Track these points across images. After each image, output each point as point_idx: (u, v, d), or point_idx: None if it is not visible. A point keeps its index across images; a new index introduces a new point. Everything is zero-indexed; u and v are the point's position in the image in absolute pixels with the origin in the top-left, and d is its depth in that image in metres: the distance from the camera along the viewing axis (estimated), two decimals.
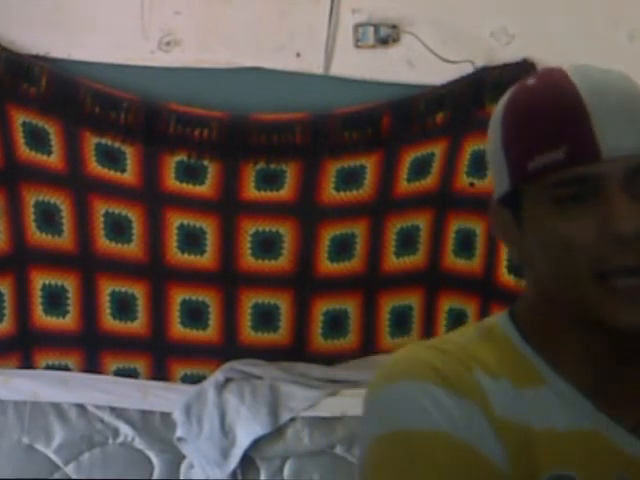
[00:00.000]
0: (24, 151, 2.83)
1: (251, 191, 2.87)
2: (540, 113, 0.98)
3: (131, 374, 2.96)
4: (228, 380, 2.84)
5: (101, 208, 2.88)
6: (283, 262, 2.93)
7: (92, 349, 2.97)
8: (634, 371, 1.01)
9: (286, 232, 2.91)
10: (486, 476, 0.92)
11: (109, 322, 2.95)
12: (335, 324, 2.99)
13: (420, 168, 2.89)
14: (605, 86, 0.97)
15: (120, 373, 2.96)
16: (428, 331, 3.00)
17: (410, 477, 0.90)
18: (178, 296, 2.94)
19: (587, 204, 0.95)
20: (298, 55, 2.90)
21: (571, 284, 0.97)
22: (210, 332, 2.97)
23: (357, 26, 2.90)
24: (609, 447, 0.98)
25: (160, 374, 2.97)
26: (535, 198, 0.98)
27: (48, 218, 2.88)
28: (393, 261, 2.97)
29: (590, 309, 0.96)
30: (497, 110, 1.05)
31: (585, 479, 0.97)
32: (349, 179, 2.88)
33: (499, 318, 1.08)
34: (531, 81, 1.03)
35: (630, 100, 0.97)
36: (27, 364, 2.95)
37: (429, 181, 2.90)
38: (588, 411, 1.00)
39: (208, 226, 2.90)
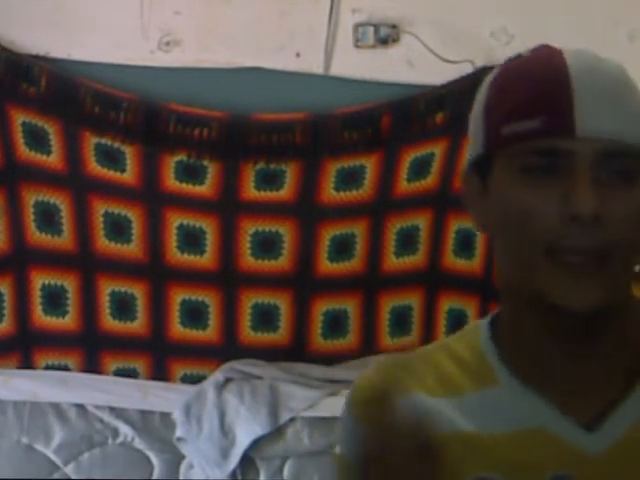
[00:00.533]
0: (24, 151, 2.83)
1: (251, 191, 2.87)
2: (525, 81, 0.98)
3: (131, 374, 2.96)
4: (228, 380, 2.84)
5: (101, 208, 2.87)
6: (283, 262, 2.93)
7: (92, 349, 2.96)
8: (589, 364, 1.00)
9: (286, 232, 2.91)
10: None
11: (109, 322, 2.95)
12: (335, 324, 2.99)
13: (420, 168, 2.89)
14: (595, 69, 0.97)
15: (120, 373, 2.96)
16: (428, 331, 2.99)
17: None
18: (178, 296, 2.94)
19: (553, 179, 0.94)
20: (298, 55, 2.91)
21: (522, 256, 0.96)
22: (210, 332, 2.97)
23: (357, 26, 2.90)
24: (556, 444, 0.97)
25: (160, 374, 2.97)
26: (505, 165, 0.98)
27: (48, 218, 2.87)
28: (393, 261, 2.97)
29: (539, 286, 0.95)
30: (489, 75, 1.05)
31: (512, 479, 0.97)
32: (349, 179, 2.88)
33: (482, 321, 1.08)
34: (526, 53, 1.04)
35: (617, 87, 0.97)
36: (27, 364, 2.95)
37: (429, 181, 2.90)
38: (539, 409, 0.99)
39: (208, 226, 2.89)
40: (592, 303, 0.93)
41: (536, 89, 0.97)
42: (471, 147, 1.04)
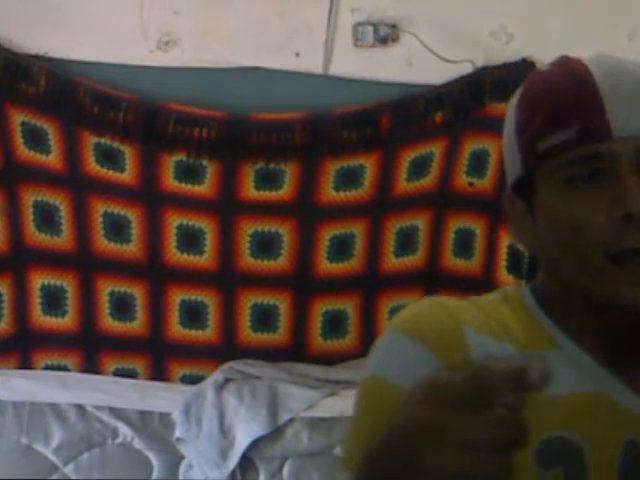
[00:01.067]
0: (23, 151, 2.83)
1: (250, 191, 2.87)
2: (552, 94, 0.98)
3: (130, 374, 2.96)
4: (227, 380, 2.84)
5: (100, 208, 2.87)
6: (282, 262, 2.92)
7: (91, 349, 2.96)
8: None
9: (285, 232, 2.90)
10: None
11: (108, 322, 2.94)
12: (334, 324, 2.98)
13: (419, 168, 2.88)
14: (619, 69, 0.98)
15: (119, 373, 2.95)
16: None
17: (355, 418, 1.00)
18: (177, 296, 2.93)
19: (598, 184, 0.95)
20: (297, 55, 2.90)
21: (583, 266, 0.96)
22: (209, 332, 2.96)
23: (356, 25, 2.89)
24: (617, 410, 0.97)
25: (159, 374, 2.96)
26: (547, 180, 0.98)
27: (47, 218, 2.87)
28: (392, 261, 2.96)
29: (602, 289, 0.95)
30: (513, 97, 1.05)
31: (589, 441, 0.96)
32: (348, 179, 2.88)
33: (518, 288, 1.08)
34: (546, 67, 1.03)
35: None
36: (26, 364, 2.94)
37: (428, 181, 2.90)
38: (598, 374, 0.99)
39: (207, 226, 2.89)
40: None
41: (564, 99, 0.97)
42: (509, 169, 1.03)
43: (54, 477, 2.75)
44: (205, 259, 2.91)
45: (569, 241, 0.96)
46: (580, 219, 0.95)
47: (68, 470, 2.76)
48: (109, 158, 2.83)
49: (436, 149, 2.87)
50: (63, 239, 2.89)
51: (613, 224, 0.93)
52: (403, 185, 2.90)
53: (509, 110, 1.04)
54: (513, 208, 1.04)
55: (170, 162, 2.84)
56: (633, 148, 0.94)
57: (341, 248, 2.93)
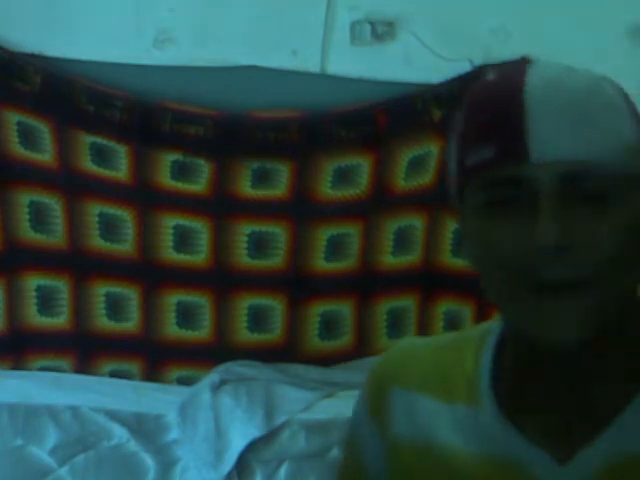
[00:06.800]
0: (18, 150, 2.82)
1: (246, 190, 2.86)
2: (482, 107, 0.93)
3: (125, 375, 2.95)
4: (223, 382, 2.83)
5: (95, 208, 2.86)
6: (279, 262, 2.91)
7: (86, 350, 2.95)
8: (572, 399, 0.94)
9: (282, 232, 2.89)
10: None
11: (103, 323, 2.93)
12: (331, 325, 2.98)
13: (417, 167, 2.87)
14: (559, 86, 0.90)
15: (114, 374, 2.95)
16: (424, 333, 2.97)
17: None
18: (172, 297, 2.92)
19: (518, 209, 0.89)
20: (294, 53, 2.90)
21: (494, 291, 0.92)
22: (205, 333, 2.95)
23: (354, 23, 2.89)
24: (522, 475, 0.93)
25: (154, 375, 2.96)
26: (470, 199, 0.93)
27: (41, 218, 2.86)
28: (390, 261, 2.95)
29: (521, 325, 0.90)
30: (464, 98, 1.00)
31: None
32: (345, 178, 2.87)
33: (498, 326, 1.03)
34: (492, 74, 0.97)
35: (582, 106, 0.89)
36: (21, 365, 2.94)
37: (426, 180, 2.89)
38: (509, 438, 0.95)
39: (203, 226, 2.88)
40: (576, 337, 0.88)
41: (491, 115, 0.91)
42: (448, 177, 0.99)
43: (49, 479, 2.74)
44: (201, 259, 2.90)
45: (482, 261, 0.92)
46: (492, 242, 0.90)
47: (63, 472, 2.75)
48: (104, 157, 2.82)
49: (434, 148, 2.86)
50: (58, 239, 2.88)
51: (529, 253, 0.87)
52: (401, 184, 2.89)
53: (455, 116, 0.98)
54: (457, 214, 0.99)
55: (166, 161, 2.83)
56: (553, 174, 0.87)
57: (338, 248, 2.92)
